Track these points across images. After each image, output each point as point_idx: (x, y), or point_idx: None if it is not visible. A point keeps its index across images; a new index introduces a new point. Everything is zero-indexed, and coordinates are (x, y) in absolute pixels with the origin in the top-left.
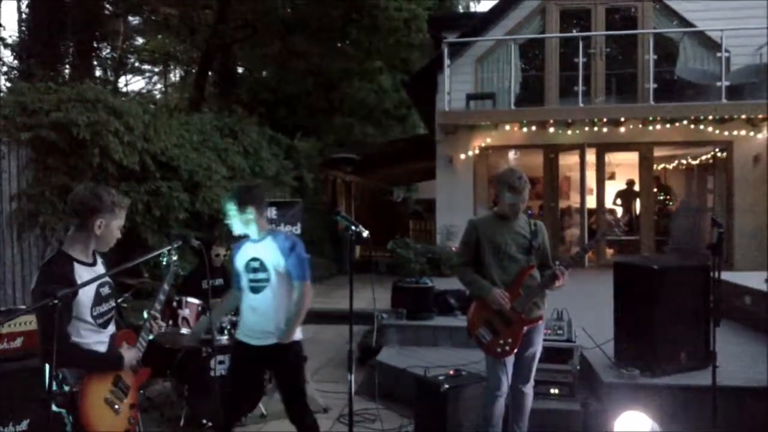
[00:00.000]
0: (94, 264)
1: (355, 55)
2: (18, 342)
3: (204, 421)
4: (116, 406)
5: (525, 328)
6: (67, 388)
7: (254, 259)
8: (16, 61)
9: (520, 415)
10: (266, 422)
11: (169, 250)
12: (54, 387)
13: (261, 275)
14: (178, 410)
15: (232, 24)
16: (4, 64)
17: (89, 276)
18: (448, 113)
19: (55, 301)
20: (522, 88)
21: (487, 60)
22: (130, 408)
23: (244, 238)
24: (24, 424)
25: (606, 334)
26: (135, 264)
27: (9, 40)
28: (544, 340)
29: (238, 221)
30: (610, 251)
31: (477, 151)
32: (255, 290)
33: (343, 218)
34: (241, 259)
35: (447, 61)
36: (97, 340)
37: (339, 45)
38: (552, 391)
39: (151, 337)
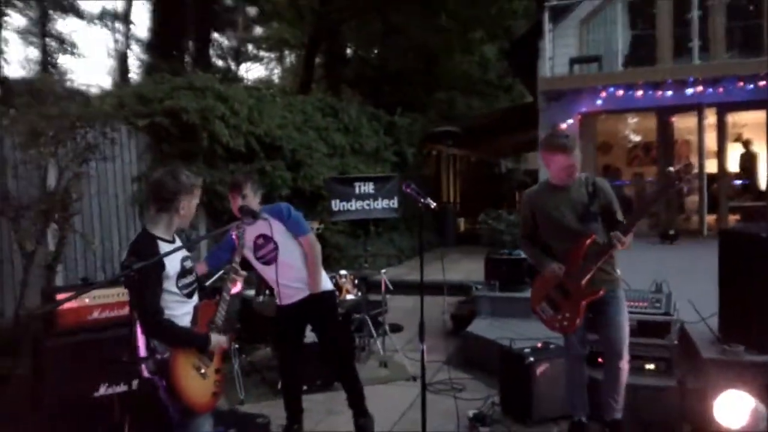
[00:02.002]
0: (173, 242)
1: (455, 28)
2: (127, 310)
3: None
4: (203, 371)
5: (584, 302)
6: (158, 357)
7: (258, 236)
8: (145, 57)
9: (615, 390)
10: None
11: (237, 225)
12: (145, 353)
13: (269, 247)
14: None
15: (336, 5)
16: (139, 59)
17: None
18: (550, 79)
19: (132, 273)
20: (631, 48)
21: (593, 21)
22: (216, 372)
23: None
24: (134, 384)
25: (715, 308)
26: (206, 237)
27: (142, 38)
28: (639, 312)
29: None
30: (734, 218)
31: (582, 118)
32: (268, 262)
33: (412, 191)
34: (247, 243)
35: (549, 25)
36: (184, 311)
37: (439, 19)
38: (647, 366)
39: (235, 290)
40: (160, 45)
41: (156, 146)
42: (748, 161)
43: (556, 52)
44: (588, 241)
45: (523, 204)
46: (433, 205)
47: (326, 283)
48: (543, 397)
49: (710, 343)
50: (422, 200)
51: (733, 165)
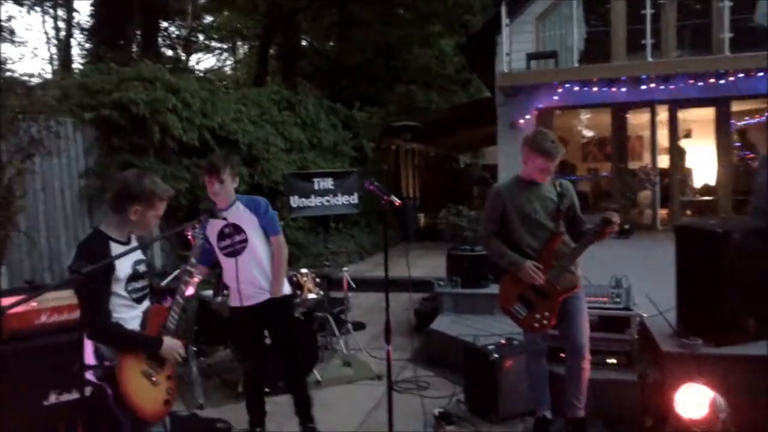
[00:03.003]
0: (128, 243)
1: (413, 21)
2: (78, 314)
3: None
4: (153, 378)
5: (560, 299)
6: (106, 364)
7: (227, 225)
8: (88, 45)
9: (578, 389)
10: (321, 389)
11: (192, 225)
12: (94, 361)
13: (237, 238)
14: (237, 376)
15: None
16: (82, 48)
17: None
18: (507, 75)
19: (81, 277)
20: (587, 44)
21: (549, 17)
22: (168, 379)
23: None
24: (86, 391)
25: (672, 301)
26: (159, 238)
27: (84, 25)
28: (600, 308)
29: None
30: (685, 213)
31: (539, 114)
32: (233, 254)
33: (375, 188)
34: (213, 229)
35: (506, 20)
36: (132, 315)
37: (398, 12)
38: (609, 360)
39: (189, 293)
40: (105, 33)
41: (104, 140)
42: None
43: (513, 48)
44: (561, 238)
45: (492, 198)
46: (398, 202)
47: (285, 287)
48: (508, 394)
49: (669, 336)
50: (386, 197)
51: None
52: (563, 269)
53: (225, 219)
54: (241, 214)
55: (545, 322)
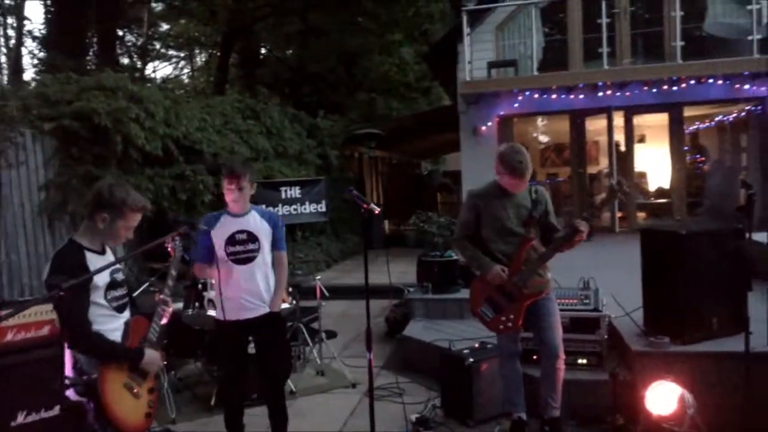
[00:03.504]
0: (103, 253)
1: (374, 29)
2: (45, 330)
3: None
4: (135, 391)
5: (527, 303)
6: (85, 378)
7: (241, 232)
8: (42, 53)
9: (553, 389)
10: (295, 399)
11: (172, 237)
12: (73, 376)
13: (250, 246)
14: (209, 389)
15: (251, 4)
16: (34, 56)
17: (101, 263)
18: (469, 83)
19: (61, 293)
20: (545, 53)
21: (508, 26)
22: (149, 392)
23: (208, 214)
24: (56, 409)
25: (637, 302)
26: (137, 253)
27: (36, 33)
28: (571, 310)
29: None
30: (641, 215)
31: (500, 120)
32: (243, 261)
33: (355, 196)
34: (222, 233)
35: (467, 30)
36: (113, 326)
37: (358, 20)
38: (580, 361)
39: (164, 321)
40: (60, 41)
41: (64, 150)
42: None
43: (474, 56)
44: (530, 244)
45: (466, 203)
46: (377, 210)
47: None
48: (484, 397)
49: (637, 336)
50: (365, 206)
51: (639, 165)
52: (530, 273)
53: (206, 229)
54: (258, 224)
55: (510, 324)
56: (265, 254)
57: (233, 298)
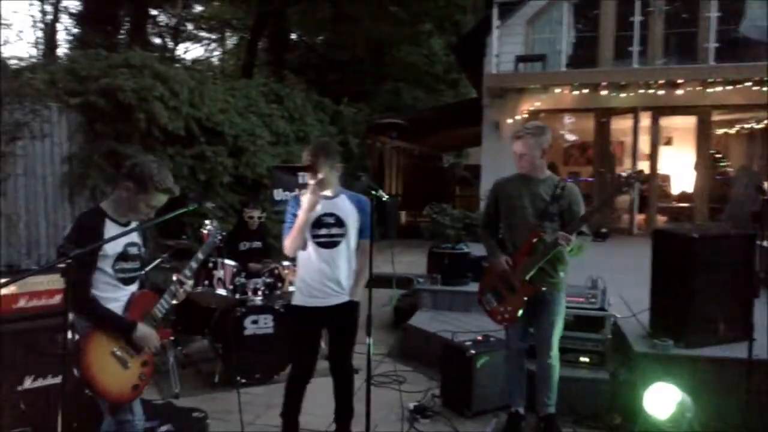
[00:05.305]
0: (126, 225)
1: (405, 19)
2: (57, 299)
3: (238, 378)
4: (125, 361)
5: (526, 297)
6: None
7: (329, 215)
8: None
9: (547, 386)
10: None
11: (211, 220)
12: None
13: (335, 230)
14: (214, 367)
15: None
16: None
17: (118, 232)
18: (495, 76)
19: (69, 261)
20: (575, 49)
21: (539, 20)
22: (143, 365)
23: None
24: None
25: (646, 304)
26: (158, 222)
27: (72, 9)
28: (576, 308)
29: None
30: (662, 218)
31: (525, 116)
32: (327, 245)
33: (367, 184)
34: (311, 215)
35: (496, 22)
36: (114, 296)
37: (389, 8)
38: (582, 359)
39: (174, 302)
40: (93, 18)
41: (88, 126)
42: None
43: (503, 50)
44: (533, 238)
45: (490, 191)
46: (385, 197)
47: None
48: (482, 390)
49: (641, 337)
50: (374, 192)
51: (664, 168)
52: (533, 265)
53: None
54: (347, 208)
55: (507, 315)
56: (351, 240)
57: (311, 282)
